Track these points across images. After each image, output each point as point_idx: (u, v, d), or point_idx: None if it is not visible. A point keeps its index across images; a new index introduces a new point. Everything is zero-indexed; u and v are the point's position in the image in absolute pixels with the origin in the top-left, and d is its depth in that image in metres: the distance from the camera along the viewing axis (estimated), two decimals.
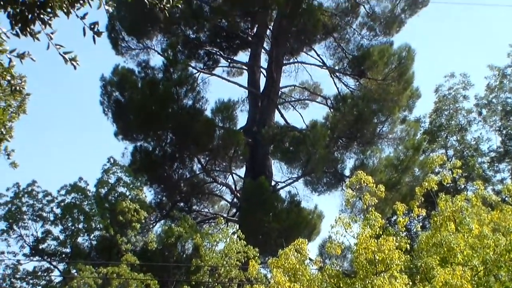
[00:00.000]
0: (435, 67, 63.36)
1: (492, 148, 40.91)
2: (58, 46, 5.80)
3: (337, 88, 31.97)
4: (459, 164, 16.33)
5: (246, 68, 32.95)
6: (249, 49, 32.89)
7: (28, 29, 5.64)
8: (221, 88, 55.06)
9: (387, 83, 29.79)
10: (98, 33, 5.80)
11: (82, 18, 5.76)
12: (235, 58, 34.12)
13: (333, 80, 32.16)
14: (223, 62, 34.02)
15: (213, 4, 31.25)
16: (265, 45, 32.60)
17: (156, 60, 31.67)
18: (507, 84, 40.36)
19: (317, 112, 44.00)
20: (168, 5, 5.96)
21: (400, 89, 29.97)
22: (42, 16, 5.62)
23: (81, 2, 5.63)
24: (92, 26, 5.78)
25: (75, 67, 5.74)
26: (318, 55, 32.69)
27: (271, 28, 31.88)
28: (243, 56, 33.98)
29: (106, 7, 5.76)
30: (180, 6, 6.07)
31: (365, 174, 14.84)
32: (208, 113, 29.55)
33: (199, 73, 30.96)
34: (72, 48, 6.03)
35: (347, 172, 29.90)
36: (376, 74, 29.94)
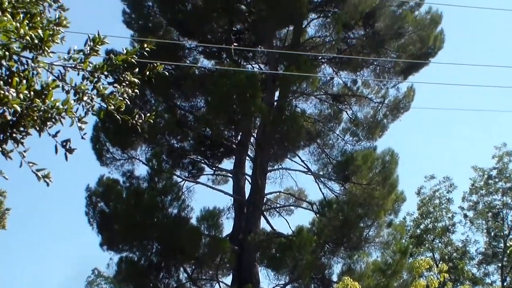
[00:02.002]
0: (419, 167, 64.01)
1: (480, 250, 40.85)
2: (31, 164, 5.87)
3: (322, 193, 31.91)
4: (446, 268, 16.29)
5: (231, 175, 33.01)
6: (234, 157, 33.05)
7: (0, 149, 5.69)
8: (206, 195, 55.01)
9: (371, 188, 29.85)
10: (70, 150, 5.87)
11: (54, 136, 5.86)
12: (219, 165, 34.21)
13: (318, 186, 32.14)
14: (207, 170, 34.05)
15: (197, 113, 31.65)
16: (249, 152, 32.79)
17: (141, 170, 31.70)
18: (492, 185, 40.65)
19: (303, 217, 43.80)
20: (140, 121, 6.06)
21: (385, 193, 30.03)
22: (14, 135, 5.70)
23: (53, 120, 5.72)
24: (64, 144, 5.86)
25: (48, 184, 5.79)
26: (303, 161, 32.84)
27: (255, 136, 32.15)
28: (227, 164, 34.10)
29: (79, 124, 5.85)
30: (151, 121, 6.17)
31: (352, 279, 14.80)
32: (193, 221, 29.33)
33: (184, 181, 30.92)
34: (56, 160, 6.08)
35: (334, 278, 29.54)
36: (361, 178, 30.02)
